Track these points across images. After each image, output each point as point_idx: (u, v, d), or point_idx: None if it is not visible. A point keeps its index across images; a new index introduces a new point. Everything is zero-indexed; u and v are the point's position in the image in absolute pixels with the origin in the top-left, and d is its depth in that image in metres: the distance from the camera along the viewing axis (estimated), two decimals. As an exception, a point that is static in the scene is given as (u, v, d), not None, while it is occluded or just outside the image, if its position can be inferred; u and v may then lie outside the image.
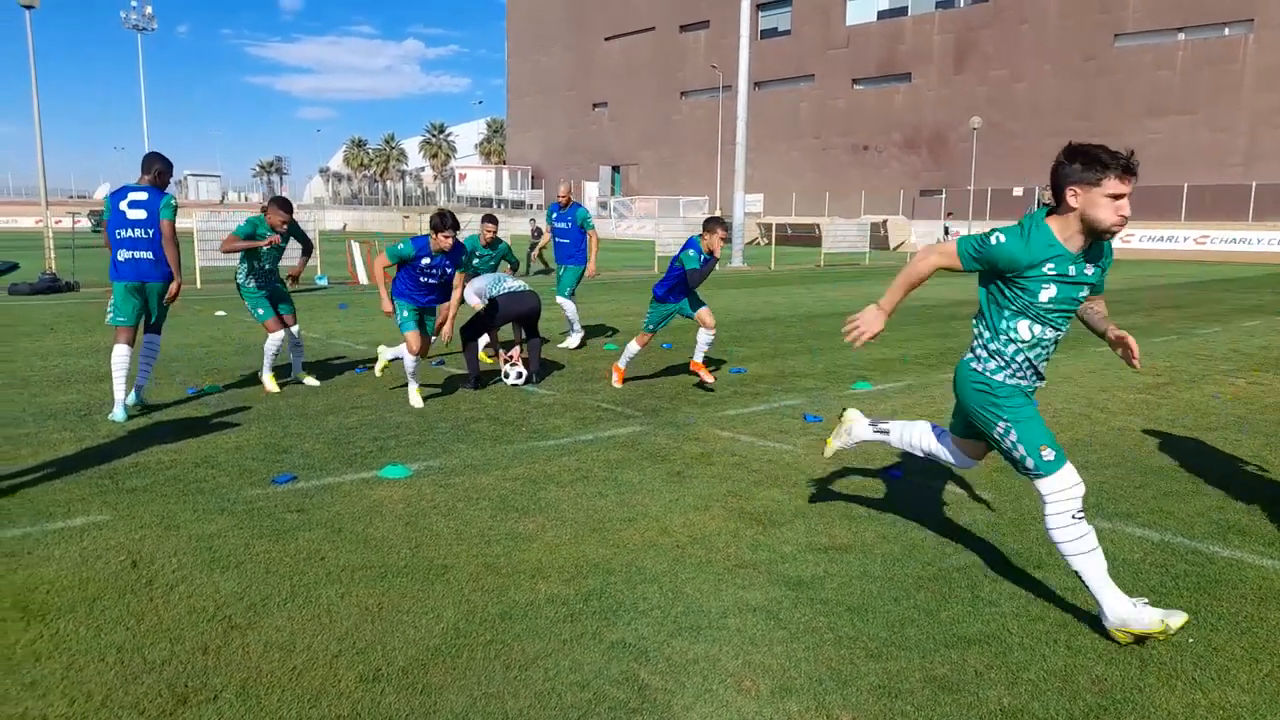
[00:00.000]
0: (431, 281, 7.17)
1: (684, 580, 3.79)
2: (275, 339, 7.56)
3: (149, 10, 57.50)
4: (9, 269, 17.26)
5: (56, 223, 21.12)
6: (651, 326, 7.85)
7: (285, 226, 7.49)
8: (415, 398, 7.15)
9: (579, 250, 10.60)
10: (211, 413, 6.80)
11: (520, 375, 8.01)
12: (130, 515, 4.45)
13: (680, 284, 7.73)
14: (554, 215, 10.64)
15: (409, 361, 7.19)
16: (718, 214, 8.20)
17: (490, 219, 9.63)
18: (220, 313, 13.85)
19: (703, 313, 7.87)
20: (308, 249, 8.04)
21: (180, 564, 3.86)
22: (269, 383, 7.67)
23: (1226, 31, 40.75)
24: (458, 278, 7.28)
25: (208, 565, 3.85)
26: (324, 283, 19.50)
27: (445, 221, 6.99)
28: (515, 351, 8.21)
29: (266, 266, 7.54)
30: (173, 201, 6.65)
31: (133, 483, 4.99)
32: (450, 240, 7.02)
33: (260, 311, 7.55)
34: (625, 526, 4.44)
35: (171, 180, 6.96)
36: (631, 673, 3.01)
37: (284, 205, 7.54)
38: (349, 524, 4.40)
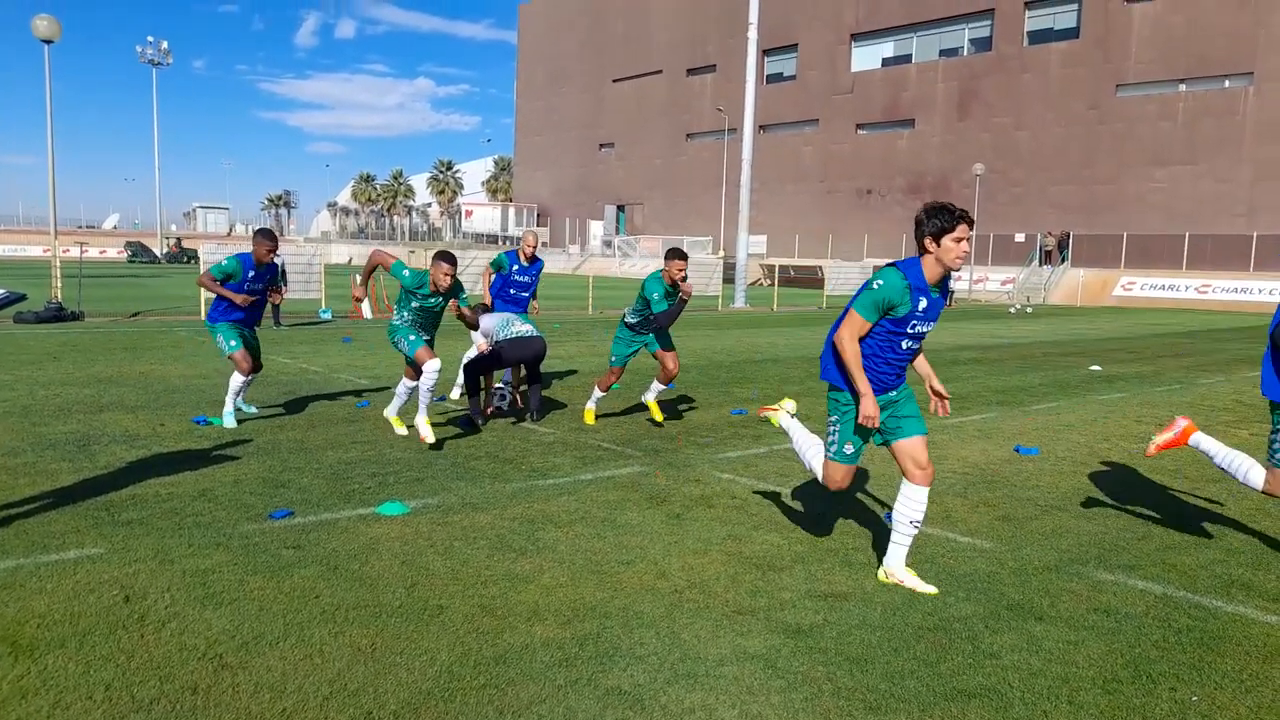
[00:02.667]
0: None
1: (681, 626, 3.75)
2: (411, 383, 7.24)
3: (165, 45, 58.46)
4: (16, 300, 17.32)
5: (65, 252, 21.25)
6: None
7: (449, 280, 7.08)
8: None
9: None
10: (211, 445, 6.78)
11: (503, 398, 8.26)
12: (125, 548, 4.42)
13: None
14: (515, 268, 9.07)
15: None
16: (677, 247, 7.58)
17: (680, 253, 7.59)
18: (224, 344, 13.87)
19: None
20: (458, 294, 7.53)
21: (173, 599, 3.83)
22: (398, 425, 7.35)
23: (1227, 84, 41.19)
24: None
25: (201, 601, 3.82)
26: (328, 316, 19.57)
27: (954, 215, 4.01)
28: (514, 393, 8.37)
29: (434, 311, 7.22)
30: (223, 261, 7.63)
31: (129, 515, 4.96)
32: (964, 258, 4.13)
33: (409, 352, 7.05)
34: (623, 569, 4.40)
35: (269, 252, 7.69)
36: (626, 721, 2.96)
37: (449, 259, 7.08)
38: (345, 561, 4.37)
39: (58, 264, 18.58)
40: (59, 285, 18.24)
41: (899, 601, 4.08)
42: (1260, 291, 36.15)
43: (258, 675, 3.19)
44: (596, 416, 8.28)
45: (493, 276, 9.30)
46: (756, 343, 17.22)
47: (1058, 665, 3.47)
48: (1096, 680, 3.35)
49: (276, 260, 7.92)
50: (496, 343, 7.96)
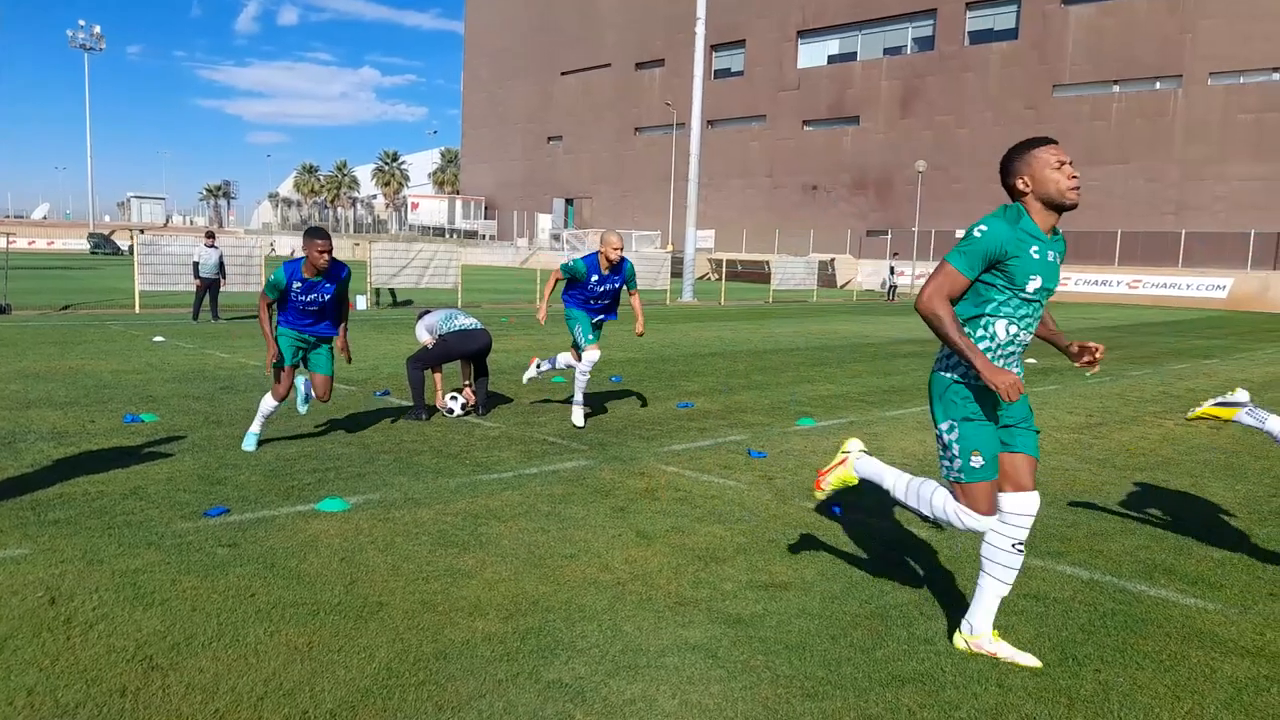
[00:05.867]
0: None
1: (624, 618, 3.76)
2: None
3: (97, 30, 56.61)
4: None
5: (-11, 243, 20.45)
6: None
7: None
8: None
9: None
10: (143, 442, 6.60)
11: (464, 405, 8.04)
12: (51, 549, 4.28)
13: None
14: (594, 278, 7.61)
15: None
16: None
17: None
18: (158, 338, 13.51)
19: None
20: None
21: (101, 601, 3.72)
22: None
23: (1157, 85, 42.58)
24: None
25: (130, 602, 3.72)
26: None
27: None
28: (467, 388, 8.22)
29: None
30: (270, 277, 6.33)
31: (56, 514, 4.81)
32: None
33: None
34: (566, 563, 4.40)
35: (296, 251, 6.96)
36: (567, 714, 2.97)
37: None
38: (282, 559, 4.29)
39: (-19, 255, 17.88)
40: (-17, 277, 17.55)
41: (838, 590, 4.15)
42: (1188, 287, 37.51)
43: (189, 676, 3.12)
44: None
45: (560, 284, 7.81)
46: (704, 336, 17.32)
47: (989, 650, 3.56)
48: (1025, 663, 3.45)
49: (338, 262, 6.52)
50: (441, 336, 7.87)
